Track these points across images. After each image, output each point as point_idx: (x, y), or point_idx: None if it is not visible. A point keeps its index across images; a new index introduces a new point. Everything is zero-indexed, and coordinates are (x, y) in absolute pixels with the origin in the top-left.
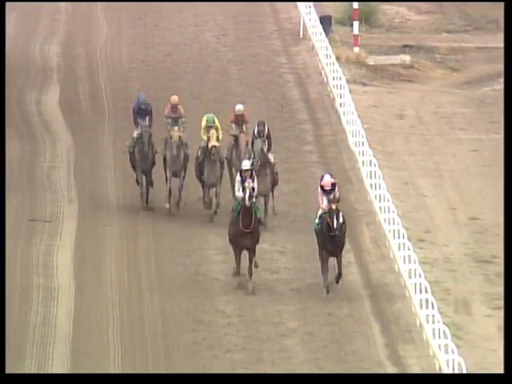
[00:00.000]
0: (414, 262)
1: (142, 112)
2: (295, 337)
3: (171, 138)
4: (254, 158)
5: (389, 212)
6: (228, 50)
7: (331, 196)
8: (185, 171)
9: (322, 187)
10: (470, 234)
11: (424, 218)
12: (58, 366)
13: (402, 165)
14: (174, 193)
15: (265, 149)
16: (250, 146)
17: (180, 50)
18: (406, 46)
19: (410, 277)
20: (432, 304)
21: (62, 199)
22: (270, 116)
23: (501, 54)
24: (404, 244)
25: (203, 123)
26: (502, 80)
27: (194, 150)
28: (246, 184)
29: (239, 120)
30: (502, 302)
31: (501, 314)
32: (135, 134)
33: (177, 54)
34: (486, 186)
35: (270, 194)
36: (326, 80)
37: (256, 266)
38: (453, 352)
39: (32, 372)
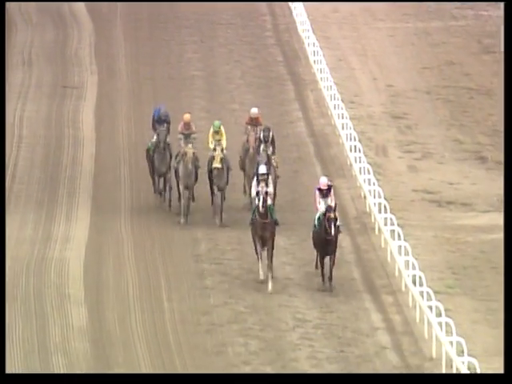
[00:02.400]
0: (346, 118)
1: (161, 121)
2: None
3: (186, 154)
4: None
5: (327, 81)
6: None
7: (328, 200)
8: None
9: (319, 189)
10: (387, 97)
11: (353, 86)
12: (84, 196)
13: (337, 46)
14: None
15: (269, 152)
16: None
17: None
18: None
19: (342, 128)
20: (359, 149)
21: (86, 71)
22: None
23: None
24: (338, 105)
25: (211, 129)
26: None
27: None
28: (260, 189)
29: (253, 122)
30: (411, 148)
31: (411, 156)
32: (154, 138)
33: None
34: (399, 62)
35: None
36: None
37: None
38: (374, 184)
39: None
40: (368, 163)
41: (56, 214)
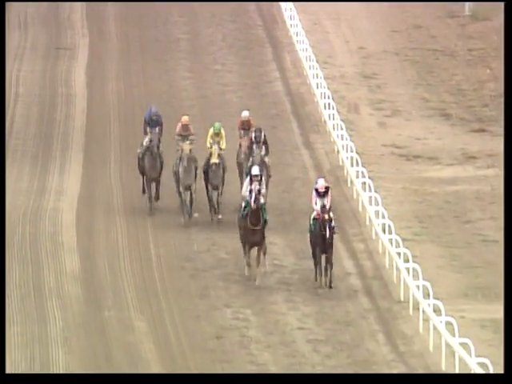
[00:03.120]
0: (320, 78)
1: (153, 123)
2: None
3: (182, 150)
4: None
5: (303, 43)
6: None
7: (324, 200)
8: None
9: (316, 190)
10: (359, 58)
11: (327, 48)
12: (76, 150)
13: (312, 11)
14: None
15: (262, 153)
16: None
17: None
18: None
19: (317, 87)
20: (332, 106)
21: (78, 34)
22: None
23: None
24: (313, 65)
25: (210, 130)
26: None
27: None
28: (253, 186)
29: (245, 126)
30: (381, 105)
31: (380, 113)
32: (145, 141)
33: None
34: (370, 25)
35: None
36: None
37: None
38: (346, 139)
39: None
40: (341, 120)
41: (50, 167)
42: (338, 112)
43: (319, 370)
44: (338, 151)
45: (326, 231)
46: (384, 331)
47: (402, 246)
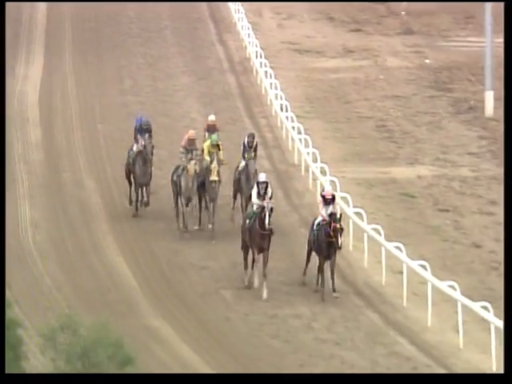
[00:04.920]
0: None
1: (142, 130)
2: None
3: (187, 171)
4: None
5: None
6: None
7: (330, 207)
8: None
9: (323, 197)
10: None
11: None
12: (39, 44)
13: None
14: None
15: (250, 162)
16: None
17: None
18: None
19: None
20: (241, 11)
21: None
22: None
23: None
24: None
25: (207, 142)
26: None
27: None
28: (265, 203)
29: (211, 129)
30: (279, 10)
31: (279, 17)
32: (135, 148)
33: None
34: None
35: None
36: None
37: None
38: (252, 37)
39: None
40: (248, 22)
41: (18, 59)
42: (246, 16)
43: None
44: (245, 47)
45: (337, 240)
46: (282, 188)
47: (296, 121)
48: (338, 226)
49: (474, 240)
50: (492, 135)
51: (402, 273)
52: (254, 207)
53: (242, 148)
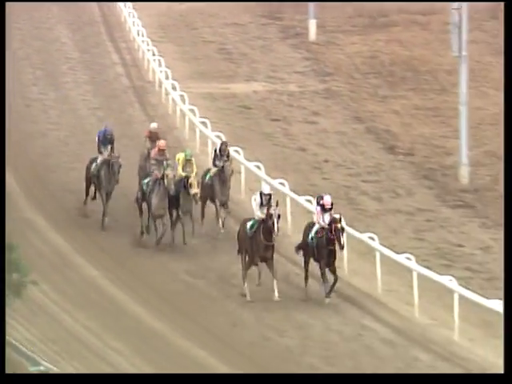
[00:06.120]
0: None
1: (105, 141)
2: None
3: (166, 176)
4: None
5: None
6: None
7: (327, 215)
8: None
9: (322, 206)
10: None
11: None
12: None
13: None
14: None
15: (227, 163)
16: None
17: None
18: None
19: None
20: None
21: None
22: None
23: None
24: None
25: (181, 158)
26: None
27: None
28: (272, 211)
29: (153, 136)
30: None
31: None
32: (99, 159)
33: None
34: None
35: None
36: None
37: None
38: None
39: None
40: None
41: None
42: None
43: None
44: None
45: (339, 240)
46: (139, 102)
47: (151, 45)
48: (338, 225)
49: (299, 145)
50: (315, 57)
51: (240, 172)
52: (256, 218)
53: (212, 155)
